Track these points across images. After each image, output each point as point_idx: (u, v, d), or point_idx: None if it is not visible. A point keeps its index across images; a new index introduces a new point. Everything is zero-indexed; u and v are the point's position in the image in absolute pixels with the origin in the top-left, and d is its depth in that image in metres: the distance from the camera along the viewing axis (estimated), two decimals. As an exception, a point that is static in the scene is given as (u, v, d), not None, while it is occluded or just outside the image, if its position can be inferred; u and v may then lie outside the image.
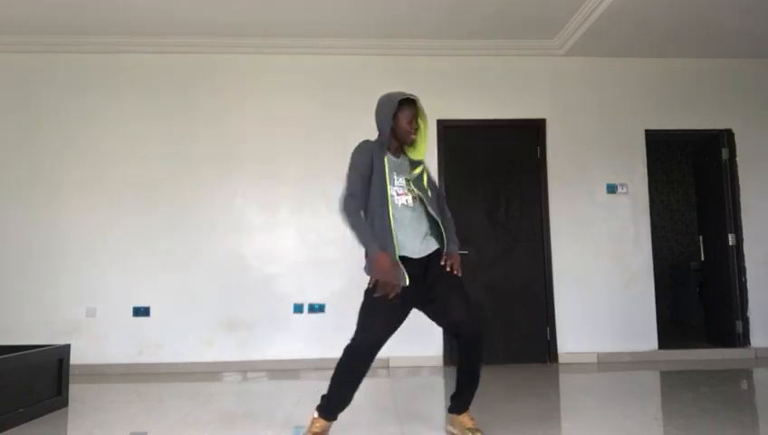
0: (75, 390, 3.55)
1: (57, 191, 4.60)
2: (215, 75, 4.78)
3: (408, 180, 2.46)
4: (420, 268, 2.40)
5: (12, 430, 2.79)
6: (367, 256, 2.36)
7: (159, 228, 4.60)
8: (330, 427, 2.44)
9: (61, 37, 4.63)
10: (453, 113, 4.81)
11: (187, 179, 4.66)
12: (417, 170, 2.51)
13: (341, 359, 2.34)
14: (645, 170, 4.88)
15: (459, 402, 2.52)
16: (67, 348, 3.33)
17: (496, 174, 4.79)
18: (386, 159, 2.42)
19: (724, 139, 5.00)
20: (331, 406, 2.39)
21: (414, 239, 2.41)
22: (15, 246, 4.53)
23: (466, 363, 2.46)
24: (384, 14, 4.32)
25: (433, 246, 2.46)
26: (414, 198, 2.44)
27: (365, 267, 2.37)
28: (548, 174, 4.81)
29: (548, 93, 4.91)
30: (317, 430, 2.39)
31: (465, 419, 2.50)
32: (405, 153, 2.56)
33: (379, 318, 2.30)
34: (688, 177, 7.51)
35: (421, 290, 2.39)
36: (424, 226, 2.46)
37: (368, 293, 2.37)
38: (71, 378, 3.36)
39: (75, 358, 3.89)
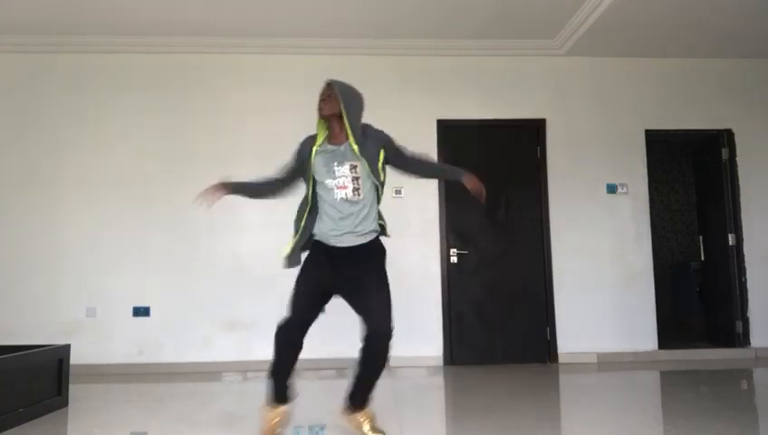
0: (75, 390, 3.54)
1: (56, 191, 4.60)
2: (214, 75, 4.78)
3: (354, 167, 2.40)
4: (338, 255, 2.42)
5: (12, 430, 2.79)
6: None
7: (159, 228, 4.60)
8: (284, 413, 2.44)
9: (60, 37, 4.62)
10: (453, 113, 4.81)
11: (186, 179, 4.64)
12: (360, 151, 2.40)
13: None
14: (645, 170, 4.88)
15: (354, 401, 2.44)
16: (67, 348, 3.33)
17: (496, 174, 4.78)
18: (314, 150, 2.47)
19: (724, 139, 5.00)
20: (270, 390, 2.43)
21: (335, 229, 2.44)
22: (15, 246, 4.53)
23: (365, 372, 2.38)
24: (384, 13, 4.32)
25: (358, 240, 2.43)
26: (355, 190, 2.40)
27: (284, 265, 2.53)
28: (548, 174, 4.81)
29: (548, 93, 4.91)
30: (272, 417, 2.41)
31: (362, 417, 2.43)
32: (350, 139, 2.44)
33: (297, 300, 2.43)
34: (688, 177, 7.50)
35: (339, 279, 2.40)
36: (363, 222, 2.44)
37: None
38: (71, 378, 3.35)
39: (75, 358, 3.88)
